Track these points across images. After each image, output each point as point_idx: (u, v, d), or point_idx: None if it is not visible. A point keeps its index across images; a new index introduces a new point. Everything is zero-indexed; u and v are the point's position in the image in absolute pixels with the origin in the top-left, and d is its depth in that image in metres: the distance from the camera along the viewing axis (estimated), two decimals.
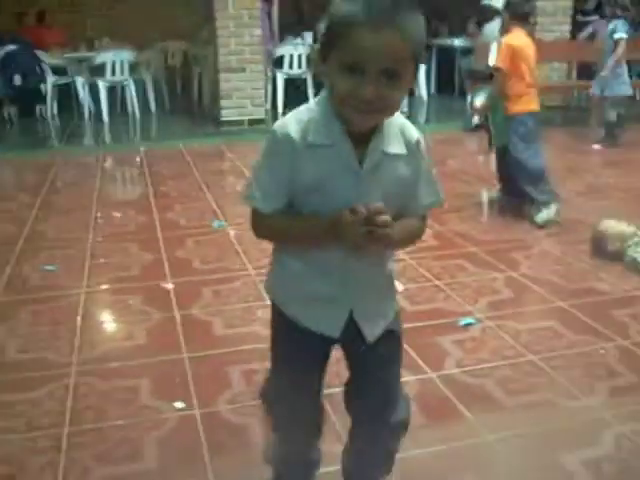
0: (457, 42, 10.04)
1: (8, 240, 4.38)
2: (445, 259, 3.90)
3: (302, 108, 1.51)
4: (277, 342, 1.72)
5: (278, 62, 9.17)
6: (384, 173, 1.49)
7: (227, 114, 8.11)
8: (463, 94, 9.65)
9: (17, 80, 9.29)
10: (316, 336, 1.61)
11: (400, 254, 3.93)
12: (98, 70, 9.09)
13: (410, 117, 9.33)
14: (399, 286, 3.48)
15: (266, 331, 2.95)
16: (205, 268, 3.82)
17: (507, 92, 4.50)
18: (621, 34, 6.69)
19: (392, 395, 1.77)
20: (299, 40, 9.84)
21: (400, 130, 1.52)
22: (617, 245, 3.76)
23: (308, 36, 9.74)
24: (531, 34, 4.76)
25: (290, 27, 10.41)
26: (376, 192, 1.46)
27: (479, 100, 5.04)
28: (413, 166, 1.54)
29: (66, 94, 9.61)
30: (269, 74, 9.01)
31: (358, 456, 1.89)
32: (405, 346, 2.81)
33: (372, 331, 1.64)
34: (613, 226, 3.85)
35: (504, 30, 4.72)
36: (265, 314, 3.18)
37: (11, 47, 9.30)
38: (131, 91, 9.35)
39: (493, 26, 7.16)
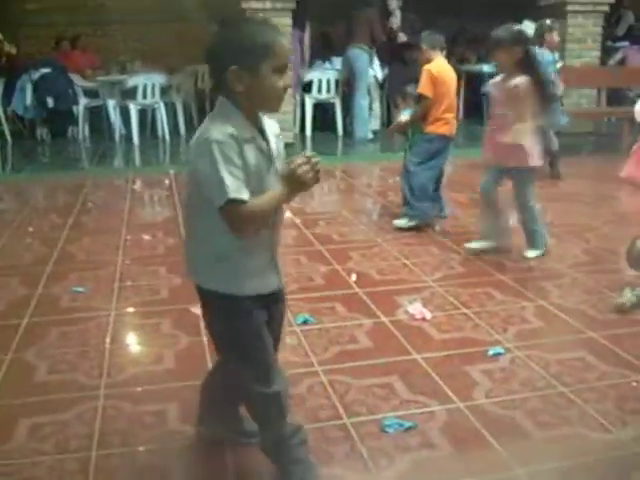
0: (486, 68, 10.03)
1: (39, 260, 4.44)
2: (473, 287, 3.87)
3: (216, 120, 1.88)
4: (239, 328, 2.02)
5: (307, 87, 9.25)
6: (278, 152, 2.00)
7: None
8: None
9: (50, 102, 9.46)
10: (263, 300, 2.03)
11: (428, 281, 3.92)
12: (129, 93, 9.22)
13: None
14: (427, 314, 3.47)
15: (294, 357, 2.98)
16: None
17: (427, 114, 4.88)
18: None
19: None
20: (328, 65, 9.92)
21: (272, 120, 2.03)
22: None
23: (337, 61, 9.81)
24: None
25: (318, 53, 10.50)
26: (277, 164, 1.97)
27: (404, 117, 5.28)
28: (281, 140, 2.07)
29: (97, 116, 9.75)
30: (298, 98, 9.08)
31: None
32: (433, 374, 2.84)
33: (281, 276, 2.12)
34: None
35: (424, 59, 4.96)
36: (292, 341, 3.19)
37: (45, 70, 9.49)
38: (161, 114, 9.46)
39: None
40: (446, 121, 4.89)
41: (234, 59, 1.83)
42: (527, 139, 4.04)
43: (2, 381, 2.91)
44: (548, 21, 6.61)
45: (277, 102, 1.91)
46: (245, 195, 1.82)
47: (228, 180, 1.79)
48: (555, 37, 6.55)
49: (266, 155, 1.93)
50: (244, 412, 2.29)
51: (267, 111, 1.96)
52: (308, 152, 1.90)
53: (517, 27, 6.53)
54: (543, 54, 6.20)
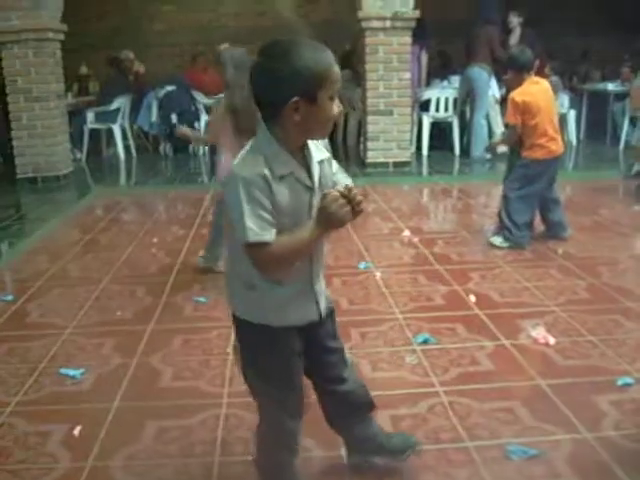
0: (611, 86, 9.71)
1: (163, 271, 4.60)
2: (599, 314, 3.71)
3: (251, 153, 1.80)
4: (266, 360, 1.96)
5: (424, 105, 9.21)
6: (323, 179, 1.89)
7: (373, 156, 8.19)
8: (617, 140, 9.30)
9: (173, 118, 9.83)
10: (295, 332, 1.96)
11: (551, 306, 3.79)
12: None
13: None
14: (551, 339, 3.35)
15: (414, 377, 2.95)
16: (353, 309, 3.84)
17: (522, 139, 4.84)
18: None
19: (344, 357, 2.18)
20: (445, 83, 9.85)
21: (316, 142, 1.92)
22: None
23: (455, 80, 9.73)
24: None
25: (436, 71, 10.45)
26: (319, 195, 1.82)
27: (497, 139, 5.55)
28: (331, 162, 1.98)
29: None
30: (415, 117, 9.06)
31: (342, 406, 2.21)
32: (558, 402, 2.74)
33: (323, 306, 2.02)
34: None
35: (514, 84, 4.86)
36: (412, 360, 3.16)
37: (170, 88, 9.89)
38: None
39: None
40: (541, 146, 4.77)
41: (294, 90, 1.72)
42: None
43: (130, 383, 3.03)
44: None
45: (328, 129, 1.84)
46: (268, 237, 1.73)
47: (249, 221, 1.71)
48: None
49: (308, 189, 1.84)
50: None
51: (317, 138, 1.89)
52: (349, 183, 1.80)
53: None
54: None
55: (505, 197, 4.94)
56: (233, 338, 2.19)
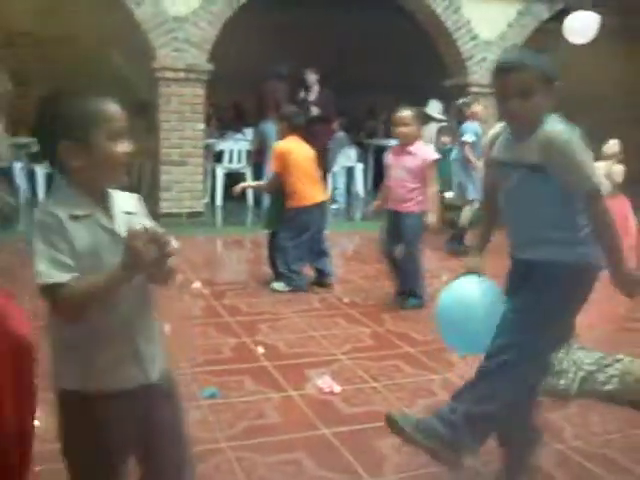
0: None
1: None
2: (382, 360, 3.87)
3: (49, 197, 1.78)
4: (87, 433, 1.74)
5: (218, 157, 9.29)
6: (124, 226, 1.75)
7: (166, 206, 8.10)
8: None
9: None
10: (127, 400, 1.75)
11: (337, 354, 3.91)
12: (36, 156, 9.01)
13: (348, 213, 9.50)
14: (336, 387, 3.44)
15: (201, 433, 2.88)
16: None
17: (285, 189, 5.27)
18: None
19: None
20: (239, 135, 10.02)
21: (128, 195, 1.87)
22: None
23: (248, 132, 9.93)
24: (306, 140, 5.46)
25: (230, 124, 10.61)
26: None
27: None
28: (142, 218, 1.84)
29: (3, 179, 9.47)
30: (208, 168, 9.10)
31: None
32: (342, 450, 2.80)
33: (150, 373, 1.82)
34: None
35: (281, 136, 5.43)
36: (199, 413, 3.09)
37: None
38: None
39: (429, 129, 7.71)
40: (300, 193, 5.24)
41: (63, 133, 1.68)
42: None
43: None
44: (463, 99, 7.06)
45: (119, 171, 1.77)
46: (61, 278, 1.63)
47: (41, 265, 1.63)
48: (476, 108, 6.95)
49: (109, 232, 1.74)
50: None
51: (110, 182, 1.79)
52: (153, 225, 1.71)
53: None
54: (468, 127, 6.72)
55: (282, 248, 5.25)
56: None
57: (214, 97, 9.68)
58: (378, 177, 10.71)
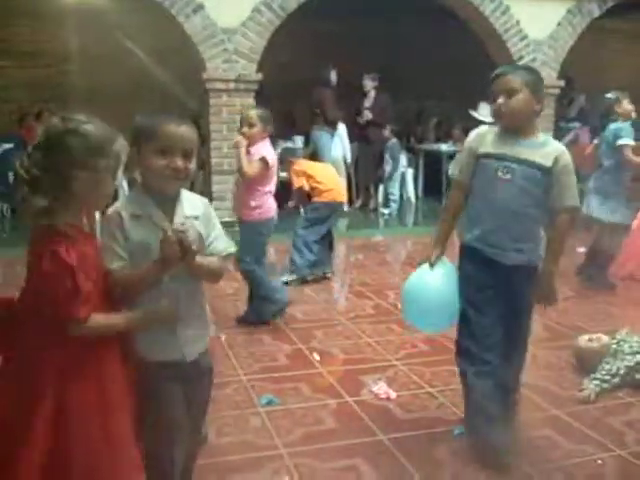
0: (444, 147, 10.31)
1: None
2: (437, 365, 3.84)
3: (123, 197, 2.12)
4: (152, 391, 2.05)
5: None
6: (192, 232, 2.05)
7: (219, 215, 8.14)
8: None
9: (11, 177, 9.40)
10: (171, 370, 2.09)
11: (392, 360, 3.91)
12: None
13: (399, 218, 9.47)
14: (392, 393, 3.45)
15: (259, 440, 2.92)
16: None
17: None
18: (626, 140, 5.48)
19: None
20: (290, 144, 10.08)
21: (197, 197, 2.18)
22: (593, 364, 3.66)
23: (299, 139, 9.98)
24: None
25: (282, 132, 10.67)
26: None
27: None
28: (206, 224, 2.15)
29: None
30: None
31: None
32: (399, 456, 2.80)
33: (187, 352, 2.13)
34: (587, 343, 3.78)
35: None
36: (257, 420, 3.14)
37: (7, 146, 9.48)
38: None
39: None
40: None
41: (131, 142, 2.02)
42: None
43: None
44: (611, 94, 5.76)
45: (165, 181, 2.02)
46: (111, 264, 1.97)
47: (103, 251, 1.97)
48: (627, 105, 5.68)
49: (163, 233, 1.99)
50: None
51: (161, 190, 2.05)
52: (179, 226, 2.02)
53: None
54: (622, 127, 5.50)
55: (296, 235, 5.70)
56: None
57: (265, 106, 9.78)
58: (429, 182, 10.71)
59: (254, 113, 4.55)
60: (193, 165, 2.05)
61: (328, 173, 6.10)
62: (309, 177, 5.83)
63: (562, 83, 9.55)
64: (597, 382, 3.49)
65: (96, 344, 1.87)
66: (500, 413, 2.83)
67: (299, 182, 5.80)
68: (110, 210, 2.02)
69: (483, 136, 2.88)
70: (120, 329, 1.95)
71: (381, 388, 3.50)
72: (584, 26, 9.46)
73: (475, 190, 2.88)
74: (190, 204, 2.12)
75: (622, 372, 3.53)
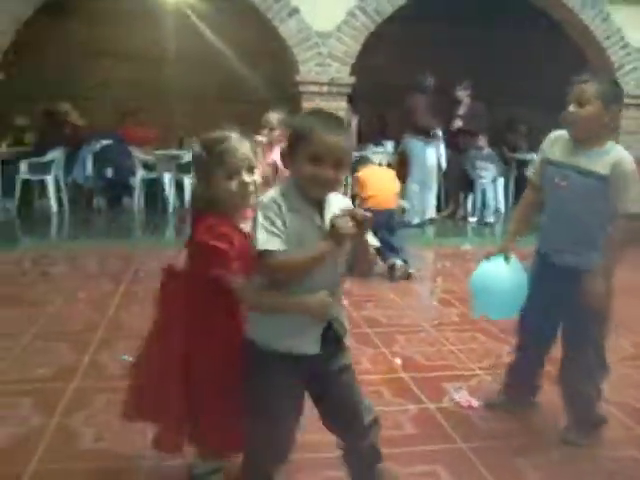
0: (535, 156, 10.08)
1: (89, 327, 4.51)
2: None
3: (276, 190, 2.12)
4: (259, 384, 2.15)
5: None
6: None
7: None
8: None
9: (109, 173, 9.79)
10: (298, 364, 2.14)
11: (475, 369, 3.87)
12: (185, 167, 9.48)
13: (490, 227, 9.33)
14: (474, 402, 3.41)
15: None
16: None
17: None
18: None
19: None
20: (380, 148, 10.10)
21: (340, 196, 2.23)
22: None
23: (389, 144, 9.98)
24: None
25: (373, 136, 10.71)
26: None
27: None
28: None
29: (153, 189, 10.02)
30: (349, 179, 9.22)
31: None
32: (479, 465, 2.77)
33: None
34: None
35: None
36: None
37: (106, 142, 9.86)
38: None
39: None
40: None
41: (288, 139, 2.13)
42: None
43: (47, 445, 2.94)
44: None
45: (314, 188, 2.07)
46: (274, 246, 2.00)
47: (260, 234, 2.01)
48: None
49: (317, 228, 2.08)
50: None
51: (311, 195, 2.10)
52: (357, 209, 2.10)
53: None
54: None
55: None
56: None
57: (357, 110, 9.84)
58: (520, 192, 10.49)
59: (275, 117, 4.59)
60: (343, 174, 2.10)
61: (377, 178, 6.16)
62: (362, 185, 6.08)
63: None
64: None
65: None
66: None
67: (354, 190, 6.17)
68: (266, 199, 2.08)
69: (554, 141, 3.01)
70: (304, 263, 2.05)
71: (463, 396, 3.48)
72: None
73: (544, 194, 3.06)
74: (335, 202, 2.17)
75: None
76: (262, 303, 2.14)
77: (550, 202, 3.02)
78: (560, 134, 3.01)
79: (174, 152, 10.07)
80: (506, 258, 3.02)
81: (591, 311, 2.88)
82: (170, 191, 9.74)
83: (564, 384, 3.10)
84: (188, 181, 9.36)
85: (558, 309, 3.02)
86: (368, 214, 2.06)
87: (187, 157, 9.50)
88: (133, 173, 9.84)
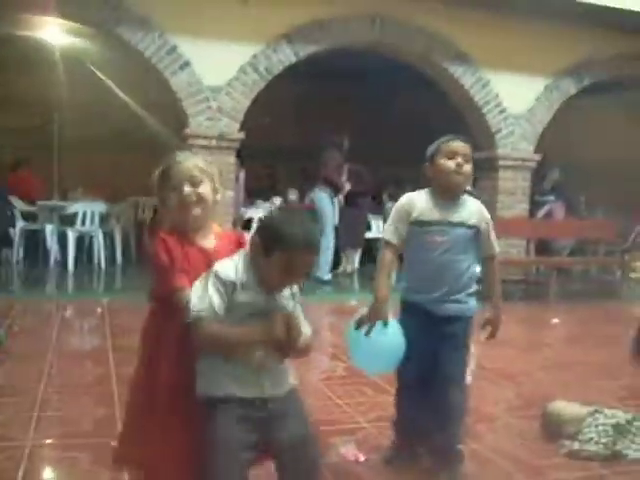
0: None
1: None
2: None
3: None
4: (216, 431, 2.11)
5: (247, 224, 9.39)
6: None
7: None
8: None
9: None
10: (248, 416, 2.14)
11: (361, 423, 3.84)
12: (68, 219, 9.19)
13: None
14: (360, 456, 3.38)
15: None
16: None
17: None
18: None
19: None
20: (268, 205, 10.15)
21: None
22: (572, 430, 3.65)
23: (277, 200, 10.04)
24: None
25: (263, 193, 10.76)
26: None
27: None
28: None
29: (34, 240, 9.64)
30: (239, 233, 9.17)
31: None
32: None
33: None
34: (565, 408, 3.78)
35: None
36: None
37: None
38: (99, 242, 9.42)
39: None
40: None
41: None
42: None
43: None
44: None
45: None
46: (203, 314, 2.04)
47: (194, 299, 2.06)
48: None
49: (261, 306, 2.13)
50: None
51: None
52: (296, 311, 2.23)
53: None
54: None
55: None
56: None
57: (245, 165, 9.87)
58: None
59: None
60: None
61: None
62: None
63: (538, 157, 9.75)
64: (574, 446, 3.46)
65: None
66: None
67: None
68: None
69: (416, 202, 3.05)
70: (231, 343, 2.08)
71: (350, 449, 3.43)
72: (560, 103, 9.73)
73: (407, 252, 3.11)
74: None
75: (599, 441, 3.49)
76: (213, 333, 2.07)
77: (423, 258, 3.03)
78: (418, 195, 3.09)
79: (58, 203, 9.76)
80: (385, 323, 2.97)
81: (462, 353, 3.08)
82: (52, 244, 9.38)
83: (441, 427, 3.13)
84: (72, 234, 9.06)
85: (435, 357, 3.06)
86: (302, 329, 2.15)
87: (71, 209, 9.23)
88: (13, 224, 9.44)
